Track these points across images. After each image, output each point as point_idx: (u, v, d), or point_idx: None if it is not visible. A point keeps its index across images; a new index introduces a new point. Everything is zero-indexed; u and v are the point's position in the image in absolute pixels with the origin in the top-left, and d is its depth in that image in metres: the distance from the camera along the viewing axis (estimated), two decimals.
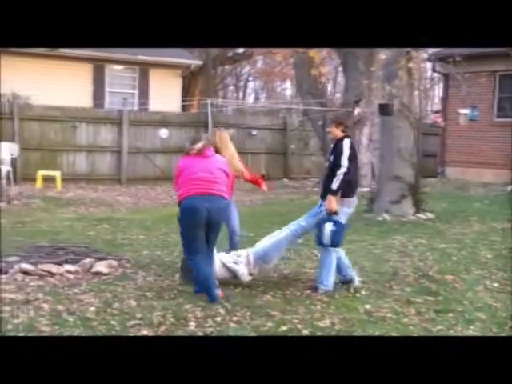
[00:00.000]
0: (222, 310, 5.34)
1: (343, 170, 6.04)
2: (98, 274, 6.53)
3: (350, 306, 5.60)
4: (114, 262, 6.86)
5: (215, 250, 6.14)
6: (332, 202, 6.07)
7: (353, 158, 6.16)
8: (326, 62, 21.35)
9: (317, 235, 6.22)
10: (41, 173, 14.71)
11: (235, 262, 6.34)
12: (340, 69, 23.15)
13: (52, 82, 17.73)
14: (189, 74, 22.99)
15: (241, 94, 38.56)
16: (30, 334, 4.59)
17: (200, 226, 5.70)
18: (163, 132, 16.63)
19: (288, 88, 38.77)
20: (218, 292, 5.76)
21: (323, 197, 6.23)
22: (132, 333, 4.74)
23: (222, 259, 6.31)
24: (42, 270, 6.42)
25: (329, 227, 6.05)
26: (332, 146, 6.42)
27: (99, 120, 16.34)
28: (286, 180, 17.40)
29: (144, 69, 19.89)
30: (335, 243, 6.11)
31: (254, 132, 18.30)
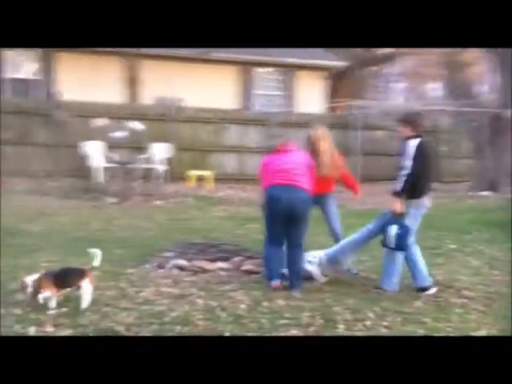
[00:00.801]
0: (371, 314, 5.27)
1: (406, 171, 5.91)
2: (248, 272, 6.67)
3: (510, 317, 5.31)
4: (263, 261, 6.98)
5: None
6: (396, 204, 5.97)
7: (421, 158, 5.94)
8: (480, 61, 20.48)
9: (382, 238, 6.11)
10: (193, 172, 15.31)
11: (309, 262, 6.38)
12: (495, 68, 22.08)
13: (204, 84, 18.41)
14: (334, 76, 22.97)
15: (388, 96, 37.95)
16: (185, 328, 4.77)
17: (280, 215, 5.93)
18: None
19: (438, 89, 37.59)
20: (277, 282, 6.00)
21: None
22: (282, 332, 4.78)
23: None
24: (196, 266, 6.67)
25: (394, 230, 5.96)
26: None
27: (248, 121, 16.72)
28: (435, 183, 16.85)
29: (290, 71, 20.11)
30: (400, 246, 6.01)
31: None
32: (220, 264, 6.79)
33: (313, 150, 6.75)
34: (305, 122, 16.94)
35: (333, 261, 6.48)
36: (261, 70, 19.99)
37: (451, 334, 4.81)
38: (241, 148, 16.61)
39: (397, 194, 6.01)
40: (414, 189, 5.98)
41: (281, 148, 6.17)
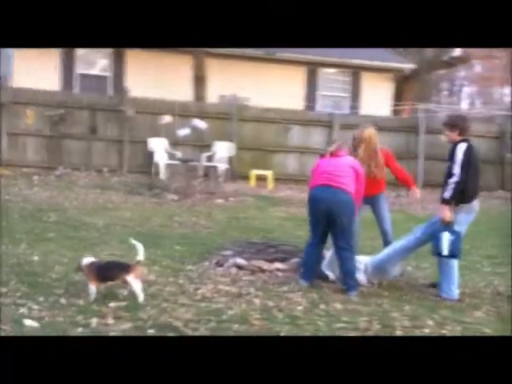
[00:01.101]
0: (430, 322, 5.19)
1: (455, 178, 5.86)
2: None
3: None
4: None
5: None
6: (445, 212, 5.92)
7: (469, 163, 5.91)
8: None
9: (434, 246, 6.04)
10: (254, 172, 15.37)
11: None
12: None
13: (268, 84, 18.48)
14: (401, 78, 22.66)
15: (455, 99, 37.24)
16: (242, 327, 4.79)
17: (319, 215, 6.07)
18: None
19: (508, 94, 36.62)
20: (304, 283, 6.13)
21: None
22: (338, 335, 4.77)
23: None
24: (254, 266, 6.70)
25: (446, 237, 5.89)
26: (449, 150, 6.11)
27: (311, 122, 16.66)
28: (501, 191, 16.46)
29: (356, 72, 19.96)
30: (453, 253, 5.94)
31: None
32: (278, 264, 6.81)
33: (354, 150, 6.77)
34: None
35: (379, 268, 6.45)
36: (326, 70, 19.91)
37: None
38: (302, 149, 16.55)
39: (446, 201, 5.96)
40: (463, 194, 5.94)
41: (332, 152, 6.25)
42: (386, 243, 6.89)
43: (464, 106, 36.86)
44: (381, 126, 16.83)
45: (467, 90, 39.08)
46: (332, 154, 6.24)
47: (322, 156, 6.37)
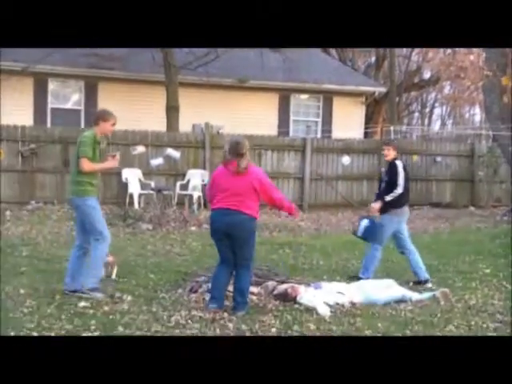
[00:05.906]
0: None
1: (400, 189, 7.35)
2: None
3: None
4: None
5: None
6: (376, 207, 7.46)
7: (407, 175, 7.49)
8: None
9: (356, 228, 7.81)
10: None
11: (339, 292, 6.57)
12: None
13: (241, 111, 18.64)
14: (372, 101, 22.98)
15: (426, 121, 37.74)
16: None
17: (218, 236, 6.15)
18: (345, 159, 16.71)
19: (477, 113, 37.23)
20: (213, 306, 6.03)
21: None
22: None
23: (324, 299, 6.38)
24: (228, 291, 6.69)
25: (364, 223, 7.73)
26: (388, 166, 7.64)
27: (283, 147, 16.78)
28: (472, 208, 16.67)
29: (328, 97, 20.21)
30: (366, 237, 7.69)
31: (439, 158, 17.77)
32: (252, 289, 6.79)
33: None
34: (340, 148, 17.00)
35: (371, 303, 6.51)
36: (299, 96, 20.14)
37: None
38: (276, 174, 16.61)
39: (386, 203, 7.38)
40: (398, 202, 7.39)
41: (227, 163, 6.13)
42: None
43: (435, 126, 37.38)
44: (353, 148, 17.14)
45: (438, 110, 39.66)
46: (233, 171, 6.11)
47: (224, 164, 6.17)
